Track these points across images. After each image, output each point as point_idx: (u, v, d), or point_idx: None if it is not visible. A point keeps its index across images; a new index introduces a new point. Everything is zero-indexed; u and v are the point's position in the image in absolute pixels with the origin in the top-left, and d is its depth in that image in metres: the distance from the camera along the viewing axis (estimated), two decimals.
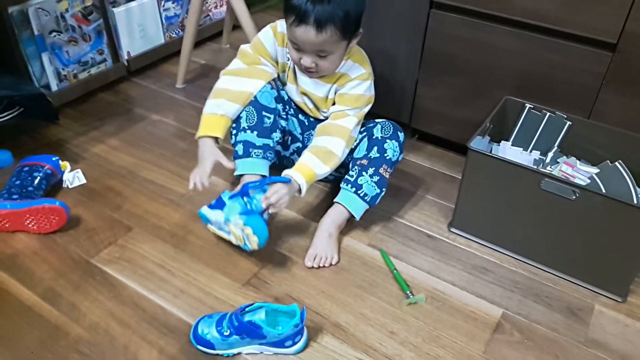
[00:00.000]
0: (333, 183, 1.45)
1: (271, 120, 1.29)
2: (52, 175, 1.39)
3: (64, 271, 1.19)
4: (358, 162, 1.29)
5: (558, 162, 1.30)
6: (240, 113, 1.28)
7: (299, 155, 1.31)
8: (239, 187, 1.25)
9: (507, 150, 1.34)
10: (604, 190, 1.20)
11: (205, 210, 1.21)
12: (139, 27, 1.90)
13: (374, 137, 1.30)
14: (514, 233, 1.24)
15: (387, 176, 1.30)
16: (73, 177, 1.44)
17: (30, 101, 1.54)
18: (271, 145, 1.29)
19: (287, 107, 1.37)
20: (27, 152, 1.46)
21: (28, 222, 1.26)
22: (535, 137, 1.34)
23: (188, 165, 1.52)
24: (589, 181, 1.24)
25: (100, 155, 1.56)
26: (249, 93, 1.28)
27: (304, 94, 1.34)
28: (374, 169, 1.28)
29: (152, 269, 1.20)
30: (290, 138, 1.40)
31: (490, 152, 1.30)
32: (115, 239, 1.28)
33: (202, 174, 1.22)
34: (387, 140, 1.29)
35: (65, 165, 1.45)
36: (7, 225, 1.26)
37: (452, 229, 1.34)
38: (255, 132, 1.27)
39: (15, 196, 1.28)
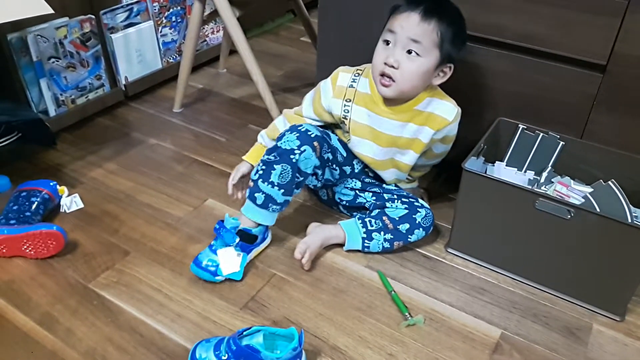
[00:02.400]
0: (343, 215, 1.45)
1: (300, 180, 1.26)
2: (50, 200, 1.39)
3: (61, 296, 1.19)
4: (384, 218, 1.30)
5: (552, 182, 1.31)
6: (275, 164, 1.21)
7: (326, 190, 1.43)
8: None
9: (502, 171, 1.35)
10: (598, 210, 1.21)
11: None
12: (136, 52, 1.93)
13: (413, 217, 1.29)
14: (510, 253, 1.25)
15: (395, 248, 1.31)
16: (71, 202, 1.45)
17: (28, 126, 1.55)
18: (290, 200, 1.27)
19: (330, 163, 1.33)
20: (24, 177, 1.47)
21: (25, 247, 1.26)
22: (529, 157, 1.35)
23: (185, 189, 1.53)
24: (583, 200, 1.25)
25: (98, 179, 1.56)
26: None
27: (376, 138, 1.29)
28: (392, 237, 1.29)
29: (150, 294, 1.20)
30: (325, 182, 1.38)
31: (485, 172, 1.32)
32: (113, 264, 1.28)
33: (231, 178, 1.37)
34: (420, 229, 1.30)
35: (63, 190, 1.46)
36: (4, 250, 1.26)
37: (449, 250, 1.34)
38: (282, 191, 1.22)
39: (12, 221, 1.28)
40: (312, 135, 1.23)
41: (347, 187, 1.39)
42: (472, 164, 1.24)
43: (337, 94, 1.29)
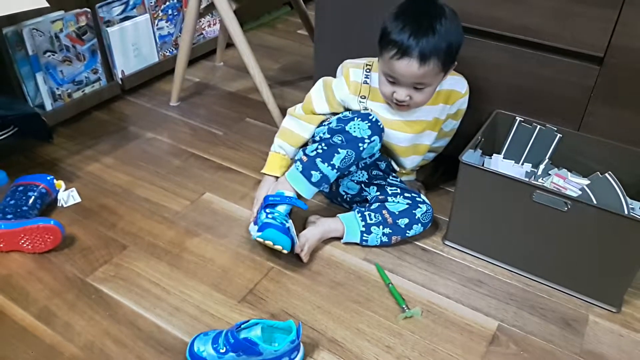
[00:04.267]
0: (341, 208, 1.45)
1: (354, 168, 1.32)
2: (47, 195, 1.39)
3: (58, 290, 1.19)
4: (384, 212, 1.30)
5: (549, 174, 1.31)
6: (340, 148, 1.21)
7: (347, 191, 1.40)
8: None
9: (499, 163, 1.35)
10: (595, 201, 1.21)
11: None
12: (133, 46, 1.92)
13: (413, 212, 1.30)
14: (507, 245, 1.25)
15: (392, 242, 1.32)
16: (68, 196, 1.45)
17: (24, 121, 1.55)
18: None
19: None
20: (21, 172, 1.46)
21: (23, 241, 1.25)
22: (526, 149, 1.35)
23: (182, 183, 1.53)
24: (580, 192, 1.25)
25: (95, 173, 1.56)
26: (305, 138, 1.33)
27: (411, 126, 1.30)
28: (390, 231, 1.30)
29: (148, 287, 1.20)
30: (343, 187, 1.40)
31: (482, 165, 1.32)
32: (110, 258, 1.28)
33: (257, 198, 1.32)
34: (419, 224, 1.31)
35: (60, 184, 1.45)
36: (1, 245, 1.26)
37: (447, 242, 1.34)
38: (338, 173, 1.25)
39: (9, 216, 1.28)
40: (381, 127, 1.25)
41: (352, 180, 1.38)
42: (470, 156, 1.24)
43: (353, 91, 1.29)
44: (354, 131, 1.21)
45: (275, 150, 1.36)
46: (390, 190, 1.35)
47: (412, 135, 1.31)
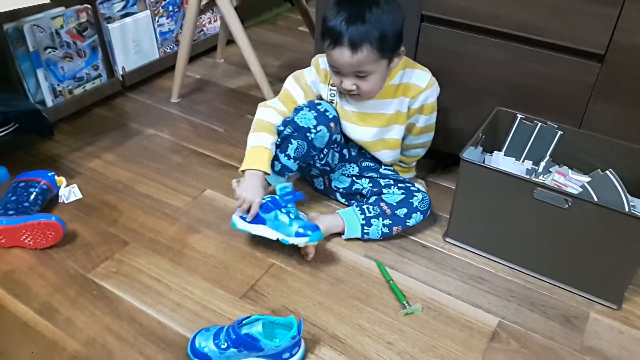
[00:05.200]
0: (340, 204, 1.45)
1: (314, 154, 1.32)
2: (48, 191, 1.39)
3: (60, 286, 1.19)
4: (382, 204, 1.31)
5: (550, 172, 1.32)
6: (292, 139, 1.27)
7: (323, 179, 1.42)
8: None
9: (500, 161, 1.35)
10: (595, 199, 1.21)
11: (247, 226, 1.24)
12: (133, 42, 1.92)
13: (410, 201, 1.30)
14: (508, 242, 1.25)
15: (394, 233, 1.32)
16: (69, 192, 1.45)
17: (25, 117, 1.55)
18: (302, 167, 1.34)
19: (335, 144, 1.37)
20: (22, 168, 1.46)
21: (24, 237, 1.26)
22: (527, 147, 1.35)
23: (183, 179, 1.53)
24: (581, 190, 1.25)
25: (96, 170, 1.56)
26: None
27: (364, 120, 1.32)
28: (390, 222, 1.30)
29: (149, 283, 1.21)
30: (324, 165, 1.40)
31: (483, 162, 1.32)
32: (112, 254, 1.28)
33: (254, 204, 1.22)
34: (418, 212, 1.31)
35: (61, 180, 1.45)
36: (3, 241, 1.26)
37: (447, 239, 1.35)
38: (297, 162, 1.29)
39: (11, 212, 1.28)
40: (330, 116, 1.28)
41: (344, 174, 1.40)
42: (470, 153, 1.24)
43: (324, 79, 1.32)
44: (301, 121, 1.26)
45: (254, 144, 1.27)
46: (384, 182, 1.36)
47: (378, 129, 1.32)
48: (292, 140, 1.27)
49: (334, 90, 1.32)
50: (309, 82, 1.33)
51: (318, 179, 1.46)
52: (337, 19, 1.13)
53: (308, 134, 1.26)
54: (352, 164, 1.40)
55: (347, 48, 1.13)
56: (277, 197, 1.24)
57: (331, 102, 1.33)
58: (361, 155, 1.40)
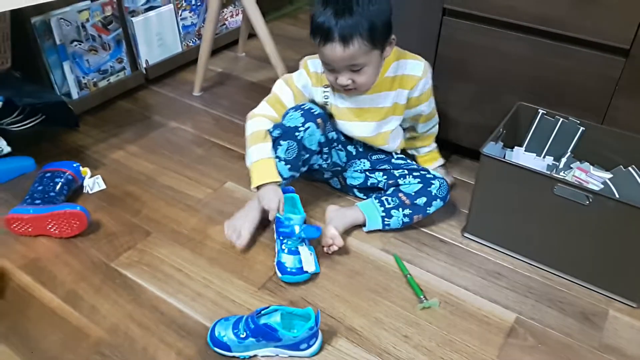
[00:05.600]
0: (359, 198, 1.45)
1: (307, 157, 1.30)
2: (73, 181, 1.43)
3: (84, 274, 1.22)
4: (400, 195, 1.31)
5: (571, 168, 1.30)
6: (281, 140, 1.24)
7: (338, 178, 1.42)
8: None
9: (521, 156, 1.35)
10: (617, 195, 1.20)
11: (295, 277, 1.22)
12: (157, 36, 1.94)
13: (429, 189, 1.30)
14: (527, 238, 1.25)
15: (415, 221, 1.33)
16: (93, 183, 1.48)
17: (51, 109, 1.59)
18: (297, 176, 1.30)
19: (335, 143, 1.37)
20: (48, 159, 1.50)
21: (50, 226, 1.29)
22: (548, 142, 1.34)
23: (205, 171, 1.55)
24: (602, 186, 1.24)
25: (120, 161, 1.59)
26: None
27: (360, 115, 1.31)
28: (410, 212, 1.30)
29: (171, 273, 1.23)
30: (333, 166, 1.41)
31: (504, 157, 1.31)
32: (135, 244, 1.31)
33: (271, 209, 1.20)
34: (438, 199, 1.31)
35: (86, 171, 1.49)
36: (29, 229, 1.30)
37: (466, 234, 1.34)
38: (288, 166, 1.26)
39: (37, 201, 1.32)
40: (316, 113, 1.27)
41: (356, 171, 1.40)
42: (491, 148, 1.23)
43: (315, 82, 1.31)
44: (288, 122, 1.26)
45: (255, 159, 1.24)
46: (398, 172, 1.36)
47: (376, 123, 1.32)
48: (281, 141, 1.24)
49: (327, 92, 1.31)
50: (300, 86, 1.31)
51: (333, 179, 1.47)
52: (324, 15, 1.12)
53: (297, 133, 1.24)
54: (362, 160, 1.40)
55: (339, 43, 1.12)
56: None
57: (325, 103, 1.32)
58: (369, 149, 1.40)
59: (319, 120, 1.27)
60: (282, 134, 1.25)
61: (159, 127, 1.76)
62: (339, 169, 1.41)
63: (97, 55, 1.76)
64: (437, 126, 1.46)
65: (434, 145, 1.49)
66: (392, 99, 1.30)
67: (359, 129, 1.33)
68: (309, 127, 1.25)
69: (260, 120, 1.29)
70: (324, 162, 1.37)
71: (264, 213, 1.28)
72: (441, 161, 1.50)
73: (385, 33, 1.17)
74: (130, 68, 1.90)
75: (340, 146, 1.38)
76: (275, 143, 1.25)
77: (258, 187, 1.23)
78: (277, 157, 1.25)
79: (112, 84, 1.85)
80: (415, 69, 1.28)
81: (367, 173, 1.40)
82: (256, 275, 1.23)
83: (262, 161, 1.24)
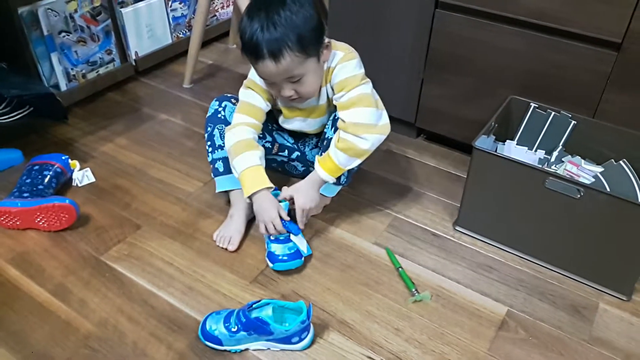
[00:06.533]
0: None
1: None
2: (62, 174, 1.41)
3: (73, 268, 1.21)
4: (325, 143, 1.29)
5: (563, 161, 1.31)
6: (213, 131, 1.31)
7: (300, 161, 1.42)
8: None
9: (512, 150, 1.35)
10: (608, 189, 1.21)
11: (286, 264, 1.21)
12: (146, 27, 1.92)
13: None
14: (519, 232, 1.25)
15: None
16: (82, 176, 1.46)
17: (40, 100, 1.56)
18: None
19: (270, 126, 1.38)
20: (37, 151, 1.48)
21: (38, 219, 1.27)
22: (540, 136, 1.34)
23: (195, 164, 1.54)
24: (593, 180, 1.24)
25: (109, 154, 1.58)
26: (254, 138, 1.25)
27: (311, 113, 1.30)
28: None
29: (161, 267, 1.22)
30: (284, 148, 1.41)
31: (495, 151, 1.31)
32: (124, 237, 1.29)
33: (274, 220, 1.18)
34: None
35: (75, 164, 1.47)
36: (18, 222, 1.28)
37: (457, 228, 1.35)
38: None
39: (25, 194, 1.30)
40: (229, 95, 1.36)
41: (313, 148, 1.44)
42: (483, 142, 1.23)
43: (260, 91, 1.26)
44: (209, 112, 1.34)
45: (242, 169, 1.20)
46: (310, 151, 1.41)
47: (320, 119, 1.32)
48: (213, 132, 1.31)
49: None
50: (259, 81, 1.24)
51: (295, 163, 1.45)
52: (249, 33, 1.07)
53: (219, 115, 1.32)
54: (306, 138, 1.43)
55: (269, 59, 1.07)
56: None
57: (275, 104, 1.30)
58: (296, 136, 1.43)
59: (233, 100, 1.34)
60: (209, 124, 1.32)
61: (148, 120, 1.74)
62: (297, 153, 1.42)
63: (86, 46, 1.74)
64: (357, 139, 1.18)
65: (340, 153, 1.21)
66: (324, 93, 1.26)
67: (311, 125, 1.33)
68: (225, 105, 1.33)
69: (238, 129, 1.23)
70: (272, 147, 1.38)
71: (250, 212, 1.29)
72: (328, 178, 1.24)
73: (317, 39, 1.12)
74: (120, 60, 1.88)
75: (278, 129, 1.40)
76: (210, 137, 1.32)
77: (250, 197, 1.20)
78: (218, 146, 1.31)
79: (101, 76, 1.82)
80: (333, 61, 1.20)
81: (320, 142, 1.35)
82: (247, 269, 1.22)
83: (250, 169, 1.19)
